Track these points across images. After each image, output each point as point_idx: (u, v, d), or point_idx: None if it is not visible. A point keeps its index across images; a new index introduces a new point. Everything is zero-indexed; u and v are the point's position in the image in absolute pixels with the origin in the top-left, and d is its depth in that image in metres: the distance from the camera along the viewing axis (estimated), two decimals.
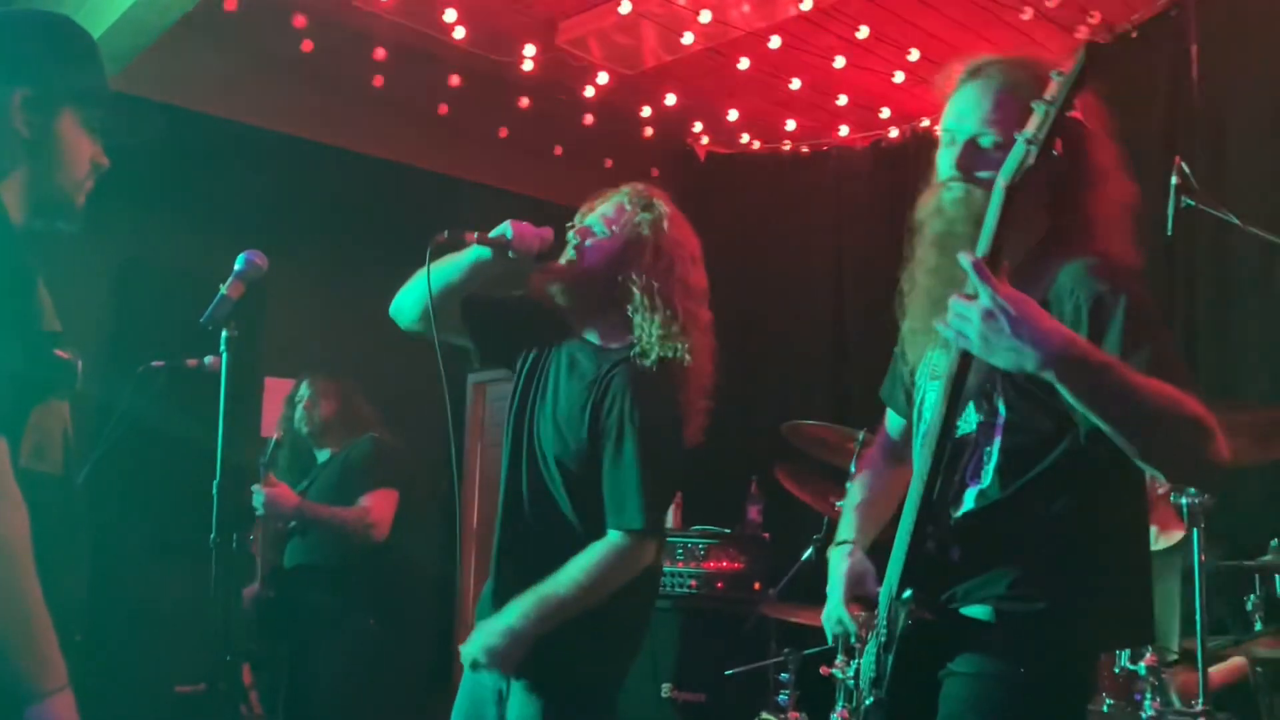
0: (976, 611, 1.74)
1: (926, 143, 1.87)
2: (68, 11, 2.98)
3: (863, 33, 4.41)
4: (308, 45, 4.51)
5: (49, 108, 1.67)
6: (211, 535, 2.51)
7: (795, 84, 4.90)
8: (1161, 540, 3.51)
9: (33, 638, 1.44)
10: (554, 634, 2.21)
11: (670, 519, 4.85)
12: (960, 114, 1.80)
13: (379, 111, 5.02)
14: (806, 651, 3.82)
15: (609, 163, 5.43)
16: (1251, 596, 3.13)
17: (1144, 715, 2.84)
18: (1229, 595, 3.25)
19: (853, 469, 3.48)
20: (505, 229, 2.28)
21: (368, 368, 4.59)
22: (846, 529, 2.04)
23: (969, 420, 1.77)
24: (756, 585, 4.48)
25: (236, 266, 2.51)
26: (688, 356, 2.30)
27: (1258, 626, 3.11)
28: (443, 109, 5.09)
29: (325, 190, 5.11)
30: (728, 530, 4.65)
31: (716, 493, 4.82)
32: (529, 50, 4.62)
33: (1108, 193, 1.77)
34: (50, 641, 1.46)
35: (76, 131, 1.71)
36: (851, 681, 3.00)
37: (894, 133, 5.27)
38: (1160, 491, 3.41)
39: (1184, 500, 2.85)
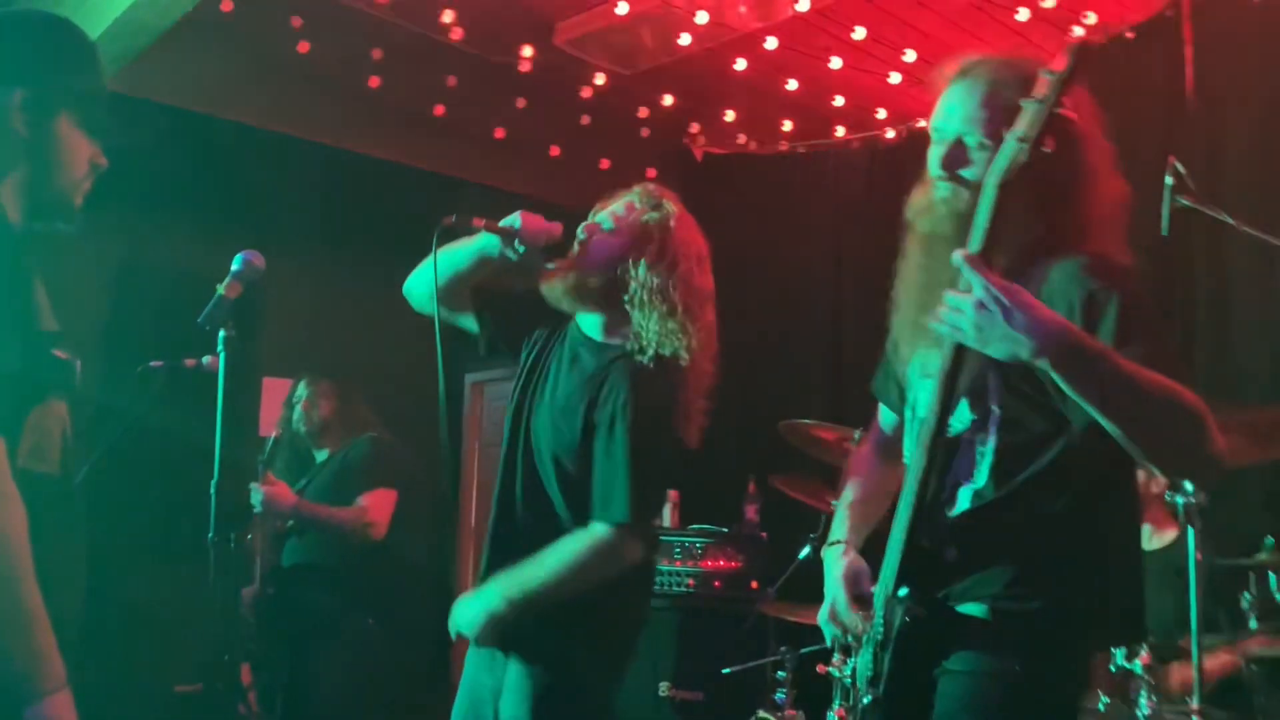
0: (972, 610, 1.74)
1: (923, 143, 1.87)
2: (66, 12, 2.98)
3: (859, 34, 4.41)
4: (305, 46, 4.51)
5: (47, 108, 1.68)
6: (210, 534, 2.51)
7: (792, 85, 4.90)
8: (1156, 540, 3.53)
9: (31, 637, 1.44)
10: (546, 633, 2.23)
11: (668, 518, 4.85)
12: (947, 113, 1.81)
13: (376, 111, 5.02)
14: (804, 650, 3.83)
15: (606, 163, 5.43)
16: (1246, 595, 3.14)
17: (1140, 714, 2.85)
18: (1225, 594, 3.26)
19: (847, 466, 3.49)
20: (514, 219, 2.31)
21: (366, 368, 4.60)
22: (840, 528, 2.05)
23: (962, 418, 1.77)
24: (754, 584, 4.48)
25: (234, 266, 2.51)
26: (686, 355, 2.31)
27: (1252, 625, 3.13)
28: (440, 109, 5.09)
29: (322, 190, 5.11)
30: (725, 529, 4.65)
31: (714, 492, 4.83)
32: (526, 51, 4.63)
33: (1101, 192, 1.77)
34: (49, 641, 1.46)
35: (74, 132, 1.71)
36: (849, 680, 3.01)
37: (890, 134, 5.27)
38: (1155, 491, 3.42)
39: (1179, 499, 2.87)
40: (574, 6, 4.42)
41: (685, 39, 4.44)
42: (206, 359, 3.14)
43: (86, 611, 1.70)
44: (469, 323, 2.55)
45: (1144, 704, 2.84)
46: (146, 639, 4.18)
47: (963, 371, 1.69)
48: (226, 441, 2.51)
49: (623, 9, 4.22)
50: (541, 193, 4.88)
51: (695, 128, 5.60)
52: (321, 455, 4.28)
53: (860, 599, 1.89)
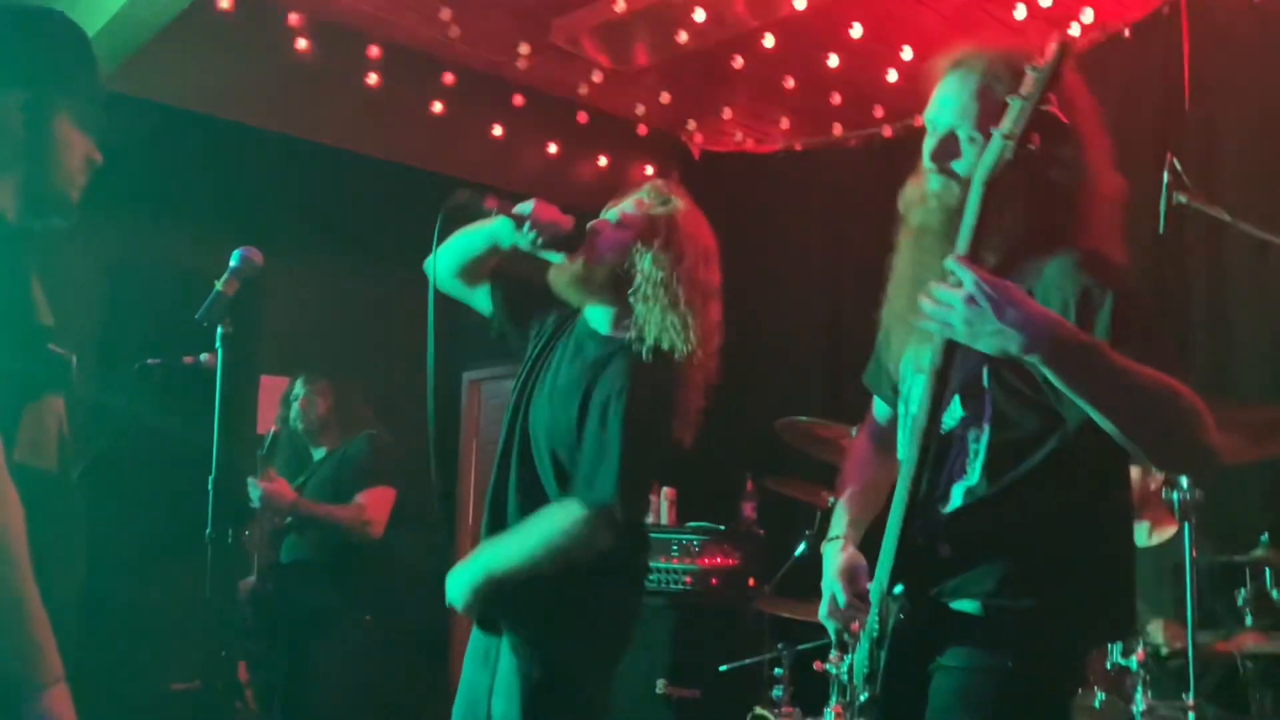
0: (965, 606, 1.74)
1: (920, 140, 1.87)
2: (62, 8, 2.97)
3: (856, 31, 4.42)
4: (301, 44, 4.51)
5: (44, 104, 1.67)
6: (207, 531, 2.52)
7: (789, 82, 4.90)
8: (1155, 536, 3.53)
9: (28, 632, 1.44)
10: (537, 628, 2.25)
11: (665, 516, 4.86)
12: (940, 105, 1.81)
13: (372, 109, 5.02)
14: (801, 647, 3.83)
15: (603, 160, 5.43)
16: (1242, 591, 3.15)
17: (1136, 710, 2.86)
18: (1220, 590, 3.27)
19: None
20: (527, 205, 2.31)
21: (363, 365, 4.60)
22: (838, 524, 2.05)
23: (954, 415, 1.77)
24: (751, 581, 4.49)
25: (231, 263, 2.52)
26: (685, 350, 2.30)
27: (1248, 621, 3.13)
28: (437, 107, 5.09)
29: (318, 187, 5.11)
30: (722, 527, 4.66)
31: (711, 489, 4.83)
32: (523, 49, 4.62)
33: (1098, 188, 1.76)
34: (46, 636, 1.46)
35: (71, 128, 1.71)
36: (845, 677, 3.01)
37: (888, 131, 5.28)
38: (1153, 488, 3.43)
39: (1175, 496, 2.87)
40: (570, 3, 4.42)
41: (682, 36, 4.44)
42: (204, 356, 3.15)
43: (84, 608, 1.70)
44: (483, 300, 2.55)
45: (1140, 700, 2.85)
46: (144, 636, 4.17)
47: (955, 367, 1.69)
48: (224, 438, 2.51)
49: (620, 6, 4.23)
50: (539, 191, 4.87)
51: (693, 125, 5.60)
52: (319, 453, 4.28)
53: (859, 594, 1.89)
